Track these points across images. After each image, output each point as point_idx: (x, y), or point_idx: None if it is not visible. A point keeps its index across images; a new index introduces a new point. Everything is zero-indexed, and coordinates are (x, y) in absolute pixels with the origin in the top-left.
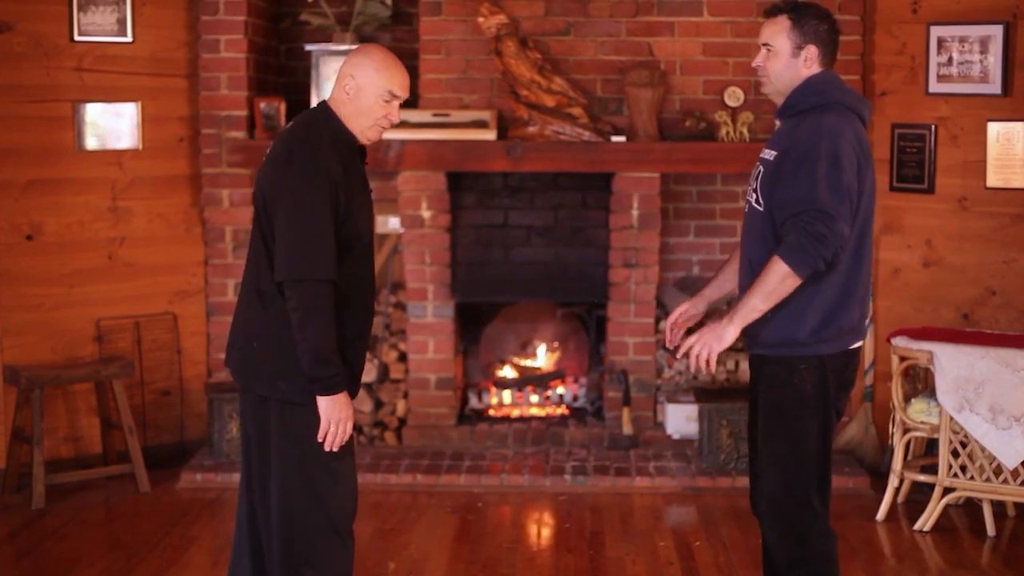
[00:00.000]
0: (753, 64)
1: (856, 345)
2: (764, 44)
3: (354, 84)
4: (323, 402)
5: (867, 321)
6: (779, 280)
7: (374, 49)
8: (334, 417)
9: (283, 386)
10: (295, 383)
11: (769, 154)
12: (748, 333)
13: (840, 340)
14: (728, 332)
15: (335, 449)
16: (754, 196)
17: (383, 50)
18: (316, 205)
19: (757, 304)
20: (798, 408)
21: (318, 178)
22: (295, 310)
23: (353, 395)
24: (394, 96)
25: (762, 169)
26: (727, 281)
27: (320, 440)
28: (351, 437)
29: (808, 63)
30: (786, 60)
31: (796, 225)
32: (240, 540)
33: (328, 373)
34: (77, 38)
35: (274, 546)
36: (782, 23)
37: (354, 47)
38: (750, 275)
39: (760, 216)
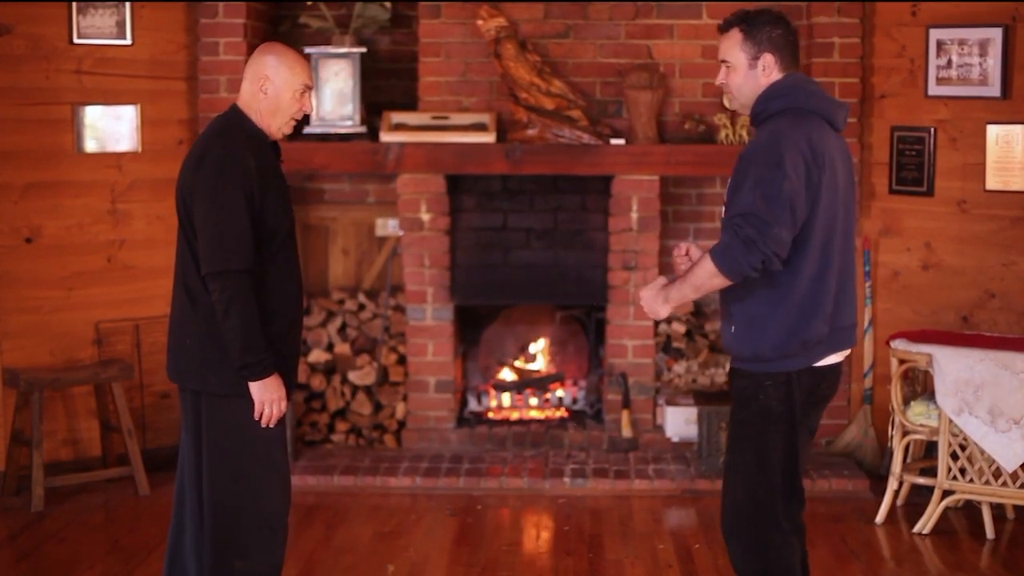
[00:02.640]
0: (716, 82)
1: (829, 361)
2: (722, 60)
3: (271, 85)
4: (255, 387)
5: (851, 332)
6: (707, 277)
7: (281, 48)
8: (267, 399)
9: (213, 379)
10: (224, 376)
11: None
12: (721, 338)
13: (807, 355)
14: (663, 310)
15: (272, 425)
16: (723, 207)
17: (288, 48)
18: (230, 199)
19: (688, 293)
20: (762, 424)
21: (231, 173)
22: (218, 302)
23: (291, 387)
24: (307, 88)
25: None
26: None
27: (256, 420)
28: (284, 434)
29: (767, 72)
30: (744, 73)
31: (729, 228)
32: (178, 541)
33: (256, 359)
34: (76, 41)
35: (205, 539)
36: (734, 37)
37: (266, 48)
38: (722, 290)
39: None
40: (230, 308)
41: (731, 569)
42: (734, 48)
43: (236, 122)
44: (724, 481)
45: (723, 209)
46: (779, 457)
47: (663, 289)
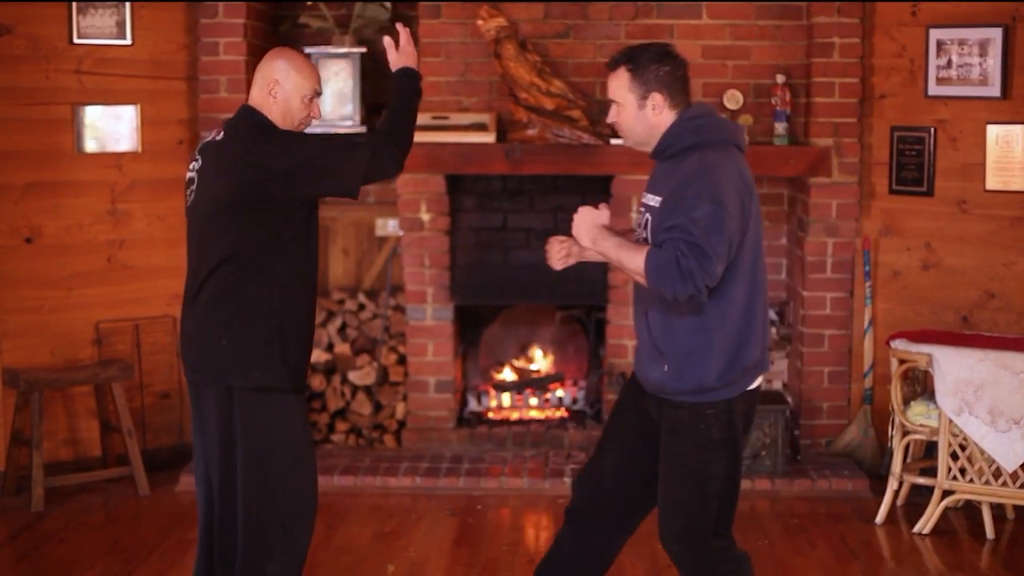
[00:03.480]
0: (607, 120)
1: (758, 383)
2: (611, 99)
3: (281, 89)
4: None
5: (768, 354)
6: (633, 270)
7: (291, 52)
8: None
9: (257, 373)
10: (268, 369)
11: (653, 200)
12: (646, 377)
13: (743, 380)
14: (585, 242)
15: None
16: (647, 219)
17: (298, 52)
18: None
19: (611, 259)
20: (702, 453)
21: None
22: (387, 136)
23: (305, 380)
24: (316, 94)
25: (649, 217)
26: None
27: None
28: (311, 432)
29: (657, 111)
30: (634, 113)
31: (673, 248)
32: (201, 537)
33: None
34: (76, 41)
35: (238, 540)
36: (622, 76)
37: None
38: (646, 327)
39: None
40: (396, 130)
41: None
42: (622, 88)
43: (261, 119)
44: (660, 512)
45: (647, 221)
46: (719, 485)
47: (598, 228)
